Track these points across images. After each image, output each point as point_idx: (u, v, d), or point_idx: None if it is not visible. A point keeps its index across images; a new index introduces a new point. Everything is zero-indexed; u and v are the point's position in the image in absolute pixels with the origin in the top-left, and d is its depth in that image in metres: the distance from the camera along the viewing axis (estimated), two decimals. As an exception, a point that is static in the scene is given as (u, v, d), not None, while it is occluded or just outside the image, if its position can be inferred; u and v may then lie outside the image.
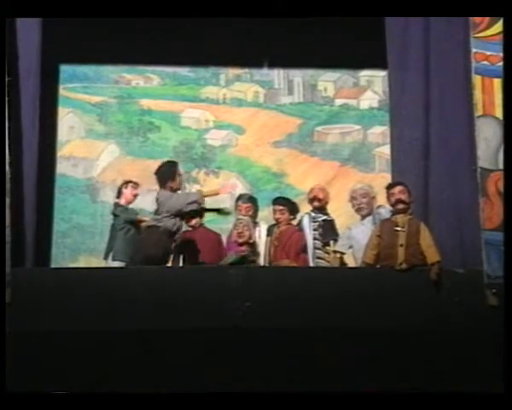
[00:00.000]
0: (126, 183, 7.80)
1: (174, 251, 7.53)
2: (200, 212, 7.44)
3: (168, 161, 7.50)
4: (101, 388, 6.23)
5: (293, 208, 7.64)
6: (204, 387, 6.28)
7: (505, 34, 6.90)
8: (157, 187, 7.28)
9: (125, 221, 7.58)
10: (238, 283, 6.57)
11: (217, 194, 7.46)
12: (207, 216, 7.76)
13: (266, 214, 7.93)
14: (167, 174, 7.26)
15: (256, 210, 7.78)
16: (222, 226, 7.92)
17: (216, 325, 6.48)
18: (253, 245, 7.31)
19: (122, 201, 7.74)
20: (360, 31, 8.10)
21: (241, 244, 7.26)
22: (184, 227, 7.66)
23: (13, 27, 7.27)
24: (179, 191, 7.35)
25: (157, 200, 7.22)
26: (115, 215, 7.69)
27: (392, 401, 6.02)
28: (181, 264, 7.55)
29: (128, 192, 7.75)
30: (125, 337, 6.47)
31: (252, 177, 8.85)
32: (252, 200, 7.87)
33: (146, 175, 8.06)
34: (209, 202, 7.85)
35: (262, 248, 7.59)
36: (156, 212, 7.20)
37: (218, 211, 7.57)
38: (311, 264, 7.44)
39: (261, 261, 7.41)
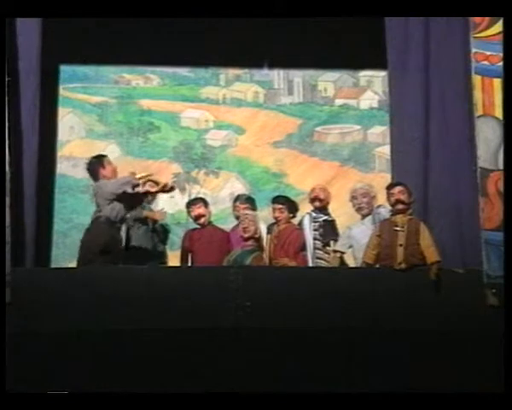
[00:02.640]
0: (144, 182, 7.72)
1: (182, 249, 7.55)
2: (139, 194, 7.19)
3: (96, 155, 7.41)
4: (100, 388, 6.22)
5: (292, 207, 7.64)
6: (204, 387, 6.27)
7: (505, 34, 6.90)
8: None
9: (135, 219, 7.57)
10: (238, 283, 6.57)
11: (149, 175, 7.30)
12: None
13: (266, 214, 7.93)
14: (96, 164, 7.22)
15: (254, 210, 7.77)
16: (229, 227, 7.92)
17: (216, 325, 6.49)
18: (258, 240, 7.33)
19: None
20: (360, 31, 8.10)
21: (246, 239, 7.27)
22: (192, 225, 7.70)
23: (13, 27, 7.27)
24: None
25: (94, 194, 7.19)
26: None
27: (392, 401, 6.02)
28: (189, 263, 7.56)
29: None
30: (125, 337, 6.47)
31: (251, 177, 8.85)
32: (250, 200, 7.88)
33: (146, 175, 8.05)
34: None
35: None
36: (97, 206, 7.13)
37: (163, 189, 7.26)
38: (311, 263, 7.44)
39: (266, 256, 7.41)
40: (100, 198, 7.06)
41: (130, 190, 7.04)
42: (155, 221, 7.71)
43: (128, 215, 7.27)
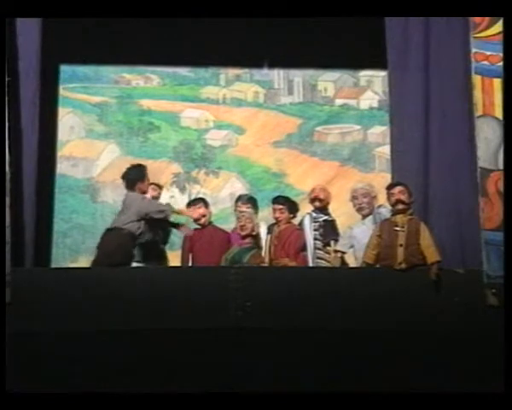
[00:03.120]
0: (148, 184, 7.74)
1: (183, 249, 7.57)
2: (164, 223, 7.41)
3: (137, 164, 7.51)
4: (100, 388, 6.22)
5: (292, 207, 7.63)
6: (204, 387, 6.27)
7: (505, 34, 6.90)
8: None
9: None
10: (238, 283, 6.57)
11: (183, 214, 7.57)
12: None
13: (266, 215, 7.93)
14: (136, 176, 7.29)
15: (256, 210, 7.77)
16: (229, 226, 7.93)
17: (216, 325, 6.48)
18: (256, 237, 7.34)
19: None
20: (360, 31, 8.10)
21: (244, 237, 7.28)
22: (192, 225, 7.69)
23: (13, 27, 7.27)
24: (147, 195, 7.38)
25: (124, 202, 7.22)
26: None
27: (392, 401, 6.02)
28: (190, 263, 7.56)
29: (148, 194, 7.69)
30: (125, 337, 6.47)
31: (252, 177, 8.85)
32: (251, 200, 7.87)
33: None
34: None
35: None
36: (120, 213, 7.19)
37: (177, 225, 7.55)
38: (311, 263, 7.44)
39: (264, 254, 7.41)
40: (130, 210, 7.11)
41: (163, 217, 7.24)
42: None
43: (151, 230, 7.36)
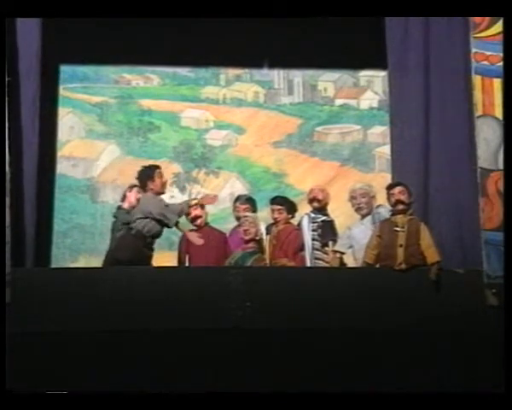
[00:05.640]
0: (131, 187, 7.76)
1: (180, 250, 7.58)
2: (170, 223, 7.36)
3: (149, 165, 7.53)
4: (100, 388, 6.22)
5: (291, 208, 7.63)
6: (204, 387, 6.27)
7: (505, 34, 6.90)
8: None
9: (123, 223, 7.57)
10: (238, 283, 6.57)
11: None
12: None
13: (266, 215, 7.92)
14: (145, 176, 7.31)
15: (254, 211, 7.76)
16: (229, 226, 7.93)
17: (216, 325, 6.49)
18: (259, 242, 7.34)
19: (125, 204, 7.69)
20: (360, 31, 8.10)
21: (247, 241, 7.28)
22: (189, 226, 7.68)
23: (13, 27, 7.27)
24: (162, 195, 7.38)
25: (138, 201, 7.33)
26: (115, 217, 7.68)
27: (392, 401, 6.02)
28: (187, 263, 7.56)
29: (132, 196, 7.70)
30: (126, 337, 6.47)
31: (252, 177, 8.85)
32: (250, 201, 7.87)
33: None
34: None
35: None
36: (133, 213, 7.24)
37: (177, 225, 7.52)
38: (309, 263, 7.43)
39: (267, 258, 7.41)
40: (138, 209, 7.18)
41: (166, 222, 7.22)
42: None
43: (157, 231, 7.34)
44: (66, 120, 8.78)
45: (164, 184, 7.43)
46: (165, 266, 7.51)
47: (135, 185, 7.67)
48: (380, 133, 8.86)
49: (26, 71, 7.46)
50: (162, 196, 7.36)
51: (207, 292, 6.56)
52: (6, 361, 5.90)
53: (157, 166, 7.46)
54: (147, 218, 7.13)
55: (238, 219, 7.70)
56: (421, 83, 7.73)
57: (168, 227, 7.28)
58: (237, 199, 7.96)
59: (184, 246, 7.61)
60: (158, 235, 7.27)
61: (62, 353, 6.40)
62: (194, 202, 7.64)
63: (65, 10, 6.95)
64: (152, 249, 7.25)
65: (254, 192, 8.47)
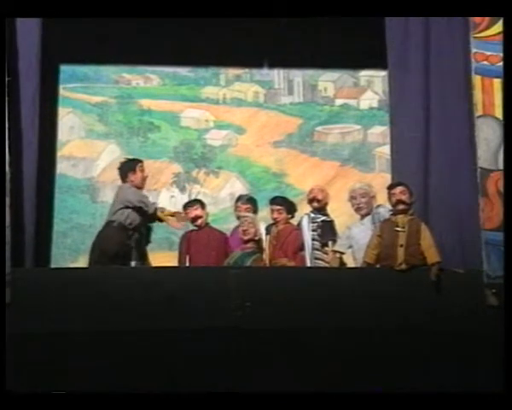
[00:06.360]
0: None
1: (180, 251, 7.58)
2: (149, 216, 7.41)
3: (132, 158, 7.66)
4: (100, 388, 6.22)
5: (290, 208, 7.64)
6: (204, 387, 6.27)
7: (505, 34, 6.90)
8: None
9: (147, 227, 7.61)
10: (238, 283, 6.57)
11: (171, 215, 7.56)
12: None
13: (266, 215, 7.93)
14: (127, 167, 7.41)
15: (255, 211, 7.77)
16: (229, 226, 7.93)
17: (216, 325, 6.49)
18: (258, 242, 7.35)
19: None
20: (360, 31, 8.09)
21: (246, 241, 7.28)
22: (190, 226, 7.70)
23: (13, 27, 7.27)
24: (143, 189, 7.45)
25: (115, 194, 7.39)
26: None
27: (392, 401, 6.02)
28: (187, 264, 7.56)
29: None
30: (125, 337, 6.46)
31: (252, 177, 8.86)
32: (251, 200, 7.88)
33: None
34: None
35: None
36: (111, 205, 7.32)
37: (172, 215, 7.59)
38: (309, 263, 7.43)
39: (266, 258, 7.41)
40: (117, 201, 7.24)
41: (143, 207, 7.30)
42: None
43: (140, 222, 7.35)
44: (66, 119, 8.79)
45: (144, 179, 7.50)
46: (165, 266, 7.51)
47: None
48: (380, 133, 8.87)
49: (26, 71, 7.45)
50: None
51: (207, 292, 6.55)
52: (6, 361, 5.90)
53: (140, 161, 7.55)
54: (127, 208, 7.15)
55: (239, 218, 7.70)
56: (421, 83, 7.73)
57: (148, 217, 7.30)
58: (238, 199, 7.96)
59: (185, 246, 7.62)
60: (140, 226, 7.28)
61: (62, 353, 6.40)
62: (166, 212, 7.63)
63: (65, 10, 6.94)
64: (140, 244, 7.27)
65: (254, 192, 8.47)
